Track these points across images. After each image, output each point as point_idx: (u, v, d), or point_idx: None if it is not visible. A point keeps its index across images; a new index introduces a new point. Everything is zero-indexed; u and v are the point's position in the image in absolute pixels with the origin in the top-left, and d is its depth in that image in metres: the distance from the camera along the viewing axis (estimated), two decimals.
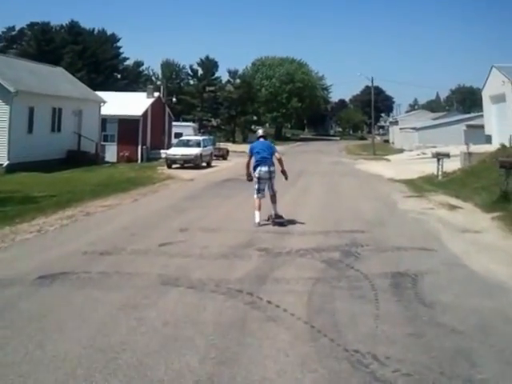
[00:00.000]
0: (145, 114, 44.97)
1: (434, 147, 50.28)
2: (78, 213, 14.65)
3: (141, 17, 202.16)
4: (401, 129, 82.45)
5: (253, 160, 13.76)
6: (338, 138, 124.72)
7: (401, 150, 65.32)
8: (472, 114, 73.66)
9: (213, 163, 38.84)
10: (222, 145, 56.99)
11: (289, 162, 18.55)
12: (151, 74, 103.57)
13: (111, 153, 42.25)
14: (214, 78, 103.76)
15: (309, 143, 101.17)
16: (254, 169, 13.61)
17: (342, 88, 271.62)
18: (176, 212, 15.32)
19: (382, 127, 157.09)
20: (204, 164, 36.00)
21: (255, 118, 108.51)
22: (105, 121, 41.56)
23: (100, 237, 11.51)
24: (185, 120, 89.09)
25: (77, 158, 33.07)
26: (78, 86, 40.22)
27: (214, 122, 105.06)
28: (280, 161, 13.80)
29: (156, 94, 49.04)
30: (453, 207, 17.01)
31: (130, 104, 44.06)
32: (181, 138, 40.38)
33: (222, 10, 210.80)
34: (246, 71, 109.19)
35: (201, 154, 34.92)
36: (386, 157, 53.30)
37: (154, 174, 29.31)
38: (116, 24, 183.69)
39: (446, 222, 14.34)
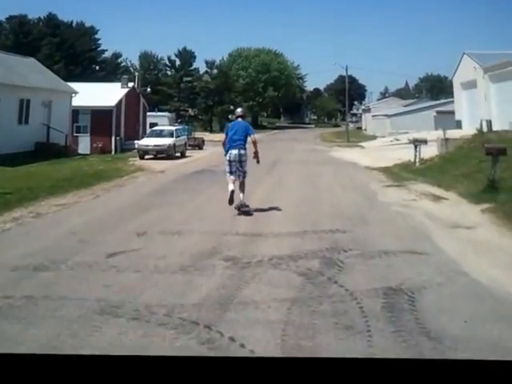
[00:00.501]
0: (118, 104, 42.69)
1: (406, 133, 49.25)
2: (27, 214, 12.62)
3: (120, 8, 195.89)
4: (373, 116, 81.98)
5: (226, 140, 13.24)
6: (313, 126, 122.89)
7: (374, 137, 63.90)
8: (441, 101, 73.05)
9: (188, 153, 36.92)
10: (199, 134, 55.34)
11: (264, 151, 17.00)
12: (129, 65, 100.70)
13: (84, 144, 39.97)
14: (191, 68, 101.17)
15: (285, 131, 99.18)
16: (226, 152, 13.09)
17: (317, 77, 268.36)
18: (138, 210, 13.38)
19: (355, 115, 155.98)
20: (178, 154, 33.93)
21: (232, 107, 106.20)
22: (77, 112, 39.23)
23: (42, 245, 9.54)
24: (162, 110, 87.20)
25: (45, 151, 30.71)
26: (48, 77, 37.78)
27: (191, 112, 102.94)
28: (254, 143, 13.27)
29: (130, 85, 46.70)
30: (436, 198, 15.43)
31: (103, 94, 41.68)
32: (153, 128, 38.26)
33: (199, 1, 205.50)
34: (223, 62, 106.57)
35: (174, 145, 32.82)
36: (360, 144, 51.54)
37: (124, 165, 27.22)
38: (95, 16, 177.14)
39: (432, 216, 12.67)
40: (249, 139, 13.26)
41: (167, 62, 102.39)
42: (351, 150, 42.61)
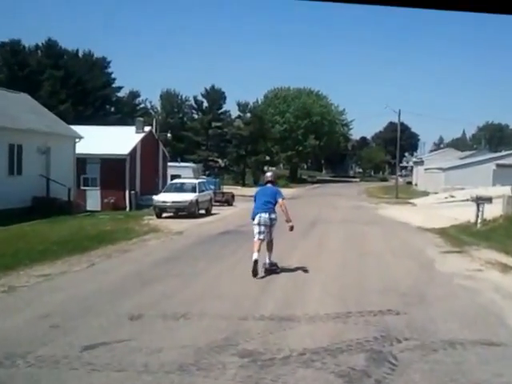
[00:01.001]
0: (133, 152, 42.08)
1: (462, 189, 47.99)
2: None
3: (136, 39, 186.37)
4: (426, 169, 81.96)
5: (254, 205, 14.19)
6: (357, 180, 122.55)
7: (426, 193, 63.06)
8: (502, 153, 72.51)
9: (215, 210, 36.05)
10: (229, 188, 55.01)
11: (302, 207, 16.61)
12: (149, 106, 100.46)
13: (94, 200, 39.05)
14: (221, 111, 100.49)
15: (326, 185, 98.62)
16: (254, 215, 13.85)
17: (363, 125, 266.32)
18: (138, 284, 12.25)
19: (405, 167, 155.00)
20: (202, 211, 33.07)
21: (268, 157, 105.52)
22: (84, 161, 38.47)
23: (2, 332, 8.42)
24: (186, 160, 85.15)
25: (45, 207, 29.47)
26: (45, 117, 36.32)
27: (221, 163, 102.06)
28: (284, 209, 13.87)
29: (147, 129, 46.32)
30: (506, 268, 14.57)
31: (115, 140, 41.08)
32: (172, 182, 37.43)
33: (229, 35, 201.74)
34: (257, 105, 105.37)
35: (196, 201, 31.83)
36: (410, 200, 50.63)
37: (136, 225, 26.15)
38: (105, 46, 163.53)
39: (503, 291, 11.88)
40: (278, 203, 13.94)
41: (193, 104, 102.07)
42: (401, 208, 41.60)
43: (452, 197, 45.61)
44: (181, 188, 33.32)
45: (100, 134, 39.79)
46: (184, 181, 35.93)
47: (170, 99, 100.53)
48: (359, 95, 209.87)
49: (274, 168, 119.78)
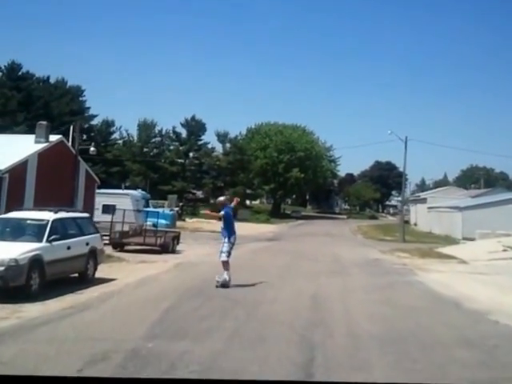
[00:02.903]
0: (19, 168, 23.19)
1: (508, 235, 31.40)
2: None
3: (109, 69, 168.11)
4: (430, 208, 64.71)
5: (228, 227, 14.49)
6: (344, 217, 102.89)
7: (449, 238, 44.26)
8: None
9: (122, 267, 18.38)
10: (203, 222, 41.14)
11: (279, 266, 21.29)
12: (125, 135, 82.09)
13: None
14: (200, 143, 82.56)
15: (312, 222, 79.25)
16: (230, 235, 14.42)
17: (349, 163, 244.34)
18: None
19: (394, 206, 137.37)
20: (79, 274, 14.11)
21: (249, 191, 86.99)
22: None
23: None
24: (170, 192, 69.52)
25: None
26: None
27: (198, 194, 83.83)
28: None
29: (55, 138, 27.22)
30: None
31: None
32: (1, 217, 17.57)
33: (212, 67, 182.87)
34: (239, 139, 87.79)
35: (34, 261, 12.07)
36: (443, 250, 30.52)
37: None
38: (83, 77, 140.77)
39: None
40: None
41: (171, 134, 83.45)
42: (452, 269, 21.98)
43: (508, 247, 26.72)
44: (17, 230, 13.67)
45: None
46: (24, 215, 14.76)
47: (147, 129, 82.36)
48: (347, 135, 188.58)
49: (257, 202, 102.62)
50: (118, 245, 25.42)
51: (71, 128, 30.39)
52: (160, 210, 36.68)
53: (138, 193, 37.31)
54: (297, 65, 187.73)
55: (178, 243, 26.55)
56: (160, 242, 24.69)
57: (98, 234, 15.64)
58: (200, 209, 77.29)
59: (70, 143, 29.33)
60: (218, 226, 16.44)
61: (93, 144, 34.30)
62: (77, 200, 28.43)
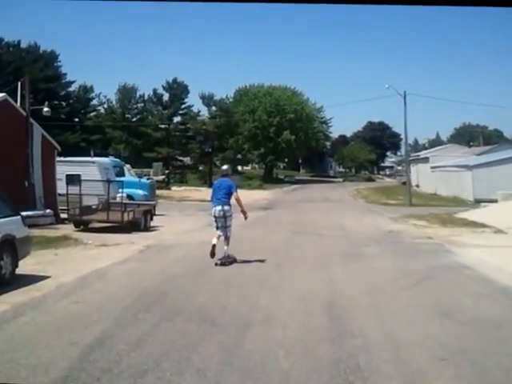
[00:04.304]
0: None
1: None
2: None
3: (90, 31, 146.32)
4: (432, 167, 58.49)
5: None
6: (340, 180, 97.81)
7: (459, 200, 39.85)
8: None
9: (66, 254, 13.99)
10: (193, 189, 40.48)
11: (281, 238, 18.47)
12: (104, 100, 76.54)
13: None
14: (184, 106, 77.56)
15: (307, 186, 74.45)
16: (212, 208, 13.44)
17: (342, 124, 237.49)
18: None
19: (390, 167, 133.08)
20: None
21: (239, 156, 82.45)
22: None
23: None
24: (155, 160, 65.70)
25: None
26: None
27: (187, 161, 79.10)
28: (238, 201, 13.40)
29: None
30: None
31: None
32: None
33: (197, 30, 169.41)
34: (225, 102, 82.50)
35: None
36: (471, 218, 25.51)
37: None
38: (56, 41, 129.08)
39: None
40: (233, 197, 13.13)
41: (153, 97, 78.17)
42: (478, 239, 17.62)
43: None
44: None
45: None
46: None
47: (127, 93, 76.84)
48: (339, 95, 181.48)
49: (248, 168, 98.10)
50: (80, 223, 21.04)
51: (20, 85, 25.31)
52: (136, 178, 31.99)
53: (108, 160, 32.53)
54: (282, 19, 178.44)
55: (151, 218, 22.08)
56: (128, 218, 20.14)
57: (17, 217, 11.00)
58: (188, 176, 74.50)
59: (18, 103, 24.38)
60: (208, 194, 14.94)
61: (46, 104, 29.20)
62: (33, 171, 23.78)
